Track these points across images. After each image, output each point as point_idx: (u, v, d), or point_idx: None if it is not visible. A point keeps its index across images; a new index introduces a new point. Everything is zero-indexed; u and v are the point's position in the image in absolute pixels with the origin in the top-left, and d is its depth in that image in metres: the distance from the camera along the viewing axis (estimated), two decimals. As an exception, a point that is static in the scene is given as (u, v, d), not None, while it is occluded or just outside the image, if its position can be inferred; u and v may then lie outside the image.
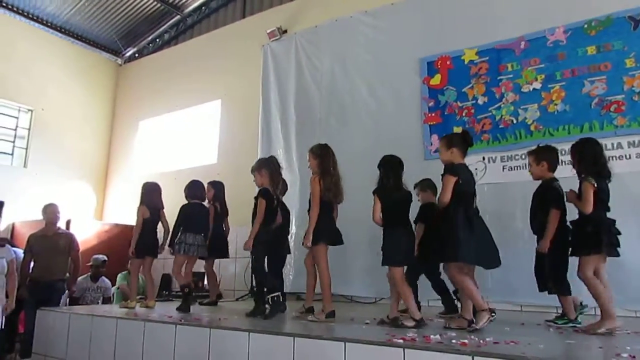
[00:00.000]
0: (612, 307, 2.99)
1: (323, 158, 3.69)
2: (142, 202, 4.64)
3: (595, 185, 3.09)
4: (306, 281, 3.89)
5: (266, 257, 4.03)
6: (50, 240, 5.06)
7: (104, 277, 6.19)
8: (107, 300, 6.10)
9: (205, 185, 4.95)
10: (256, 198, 3.95)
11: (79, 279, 5.98)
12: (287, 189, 4.90)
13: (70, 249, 5.21)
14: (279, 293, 3.78)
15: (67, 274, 5.25)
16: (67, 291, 5.26)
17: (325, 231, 3.59)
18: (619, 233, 3.18)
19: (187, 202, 4.65)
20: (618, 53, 4.50)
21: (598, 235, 3.05)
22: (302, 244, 3.63)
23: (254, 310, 3.81)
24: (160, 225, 4.78)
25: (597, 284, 3.01)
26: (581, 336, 2.94)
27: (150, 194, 4.69)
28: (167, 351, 3.15)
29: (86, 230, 7.31)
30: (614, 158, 4.37)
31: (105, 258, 6.23)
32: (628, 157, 4.36)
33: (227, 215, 5.11)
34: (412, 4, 5.77)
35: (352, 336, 2.62)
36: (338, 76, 6.24)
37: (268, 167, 4.04)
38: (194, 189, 4.64)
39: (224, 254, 4.98)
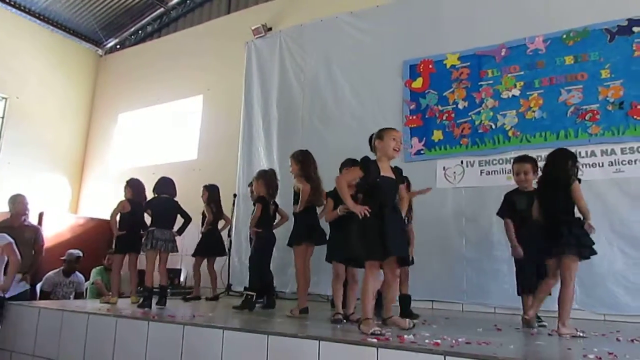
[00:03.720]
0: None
1: (304, 163, 3.92)
2: (126, 197, 4.71)
3: None
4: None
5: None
6: (15, 232, 4.84)
7: (77, 272, 6.07)
8: (79, 296, 5.98)
9: (201, 189, 5.32)
10: (254, 204, 4.43)
11: (50, 273, 5.87)
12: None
13: (35, 242, 5.06)
14: (255, 294, 4.14)
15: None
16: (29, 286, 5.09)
17: (306, 233, 3.83)
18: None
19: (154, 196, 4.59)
20: (594, 64, 4.61)
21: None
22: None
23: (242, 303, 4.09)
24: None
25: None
26: (551, 338, 3.00)
27: (135, 190, 4.75)
28: (138, 348, 3.11)
29: (60, 224, 7.16)
30: (588, 165, 4.48)
31: (80, 254, 6.09)
32: (601, 164, 4.47)
33: (222, 214, 5.42)
34: (397, 7, 5.81)
35: (327, 335, 2.63)
36: (322, 76, 6.24)
37: (265, 179, 4.47)
38: (162, 185, 4.59)
39: (221, 252, 5.34)
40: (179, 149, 7.65)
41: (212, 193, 5.29)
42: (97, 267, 6.24)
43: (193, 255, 5.22)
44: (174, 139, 7.82)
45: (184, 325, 3.00)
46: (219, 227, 5.40)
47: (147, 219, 4.60)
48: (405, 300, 3.90)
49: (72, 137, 8.75)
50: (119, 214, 4.67)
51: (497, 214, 3.81)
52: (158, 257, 4.36)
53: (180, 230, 4.59)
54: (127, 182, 4.83)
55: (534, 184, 3.58)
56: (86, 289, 6.13)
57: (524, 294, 3.60)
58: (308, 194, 3.80)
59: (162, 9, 8.67)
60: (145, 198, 4.78)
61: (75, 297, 5.90)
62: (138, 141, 8.30)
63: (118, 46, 9.34)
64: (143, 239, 4.39)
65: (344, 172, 3.21)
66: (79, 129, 8.89)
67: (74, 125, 8.80)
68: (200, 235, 5.31)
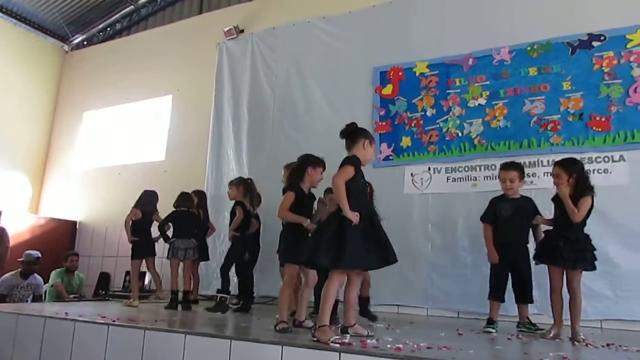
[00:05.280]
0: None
1: None
2: (135, 206, 5.00)
3: None
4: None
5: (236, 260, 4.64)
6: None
7: (35, 274, 5.87)
8: (37, 299, 5.78)
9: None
10: (233, 208, 4.65)
11: (7, 275, 5.66)
12: (260, 202, 5.17)
13: (0, 242, 4.91)
14: (228, 297, 4.37)
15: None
16: None
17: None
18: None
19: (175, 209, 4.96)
20: (556, 75, 4.75)
21: None
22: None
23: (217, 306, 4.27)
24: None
25: None
26: (510, 342, 3.08)
27: (147, 199, 5.07)
28: (97, 353, 3.02)
29: (19, 224, 6.94)
30: (548, 174, 4.61)
31: (39, 255, 5.90)
32: (561, 174, 4.60)
33: (208, 219, 5.48)
34: (369, 14, 5.86)
35: (290, 340, 2.63)
36: (293, 79, 6.24)
37: (246, 186, 4.75)
38: (182, 199, 4.98)
39: (206, 256, 5.36)
40: (146, 150, 7.50)
41: (200, 199, 5.36)
42: (58, 269, 6.06)
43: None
44: (142, 139, 7.66)
45: (144, 330, 2.94)
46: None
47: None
48: (365, 301, 4.02)
49: (35, 135, 8.46)
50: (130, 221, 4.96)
51: (481, 218, 3.85)
52: (181, 264, 4.81)
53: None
54: (144, 193, 5.14)
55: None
56: (45, 292, 5.94)
57: (494, 299, 3.67)
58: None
59: (132, 7, 8.49)
60: (155, 207, 5.12)
61: (33, 300, 5.71)
62: (104, 140, 8.09)
63: (85, 42, 9.09)
64: (169, 249, 4.82)
65: (339, 171, 2.87)
66: (42, 127, 8.59)
67: (36, 122, 8.50)
68: None
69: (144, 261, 4.98)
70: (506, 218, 3.70)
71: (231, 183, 4.92)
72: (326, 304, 2.72)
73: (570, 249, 3.21)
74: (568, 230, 3.27)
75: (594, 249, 3.28)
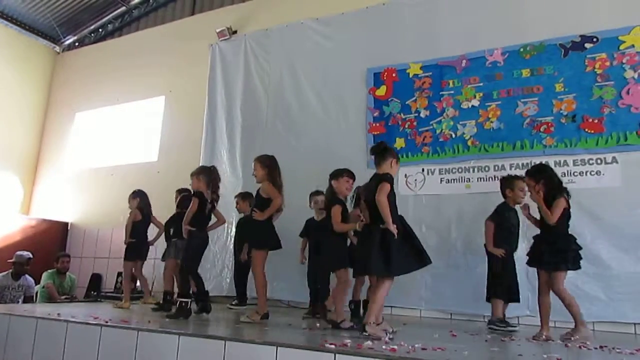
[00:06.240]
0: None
1: (271, 168, 3.88)
2: (137, 207, 4.99)
3: None
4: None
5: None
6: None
7: (26, 275, 5.81)
8: (28, 300, 5.73)
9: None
10: (190, 199, 4.22)
11: (-2, 276, 5.60)
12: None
13: None
14: (189, 300, 4.00)
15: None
16: None
17: (271, 239, 3.86)
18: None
19: (177, 211, 4.90)
20: (549, 77, 4.77)
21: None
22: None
23: (178, 311, 3.94)
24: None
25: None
26: (504, 344, 3.09)
27: (145, 201, 5.06)
28: (90, 355, 3.00)
29: (10, 225, 6.87)
30: (542, 176, 4.64)
31: (31, 255, 5.85)
32: (554, 175, 4.63)
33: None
34: (362, 15, 5.87)
35: (285, 341, 2.61)
36: (286, 80, 6.23)
37: (207, 175, 4.28)
38: (185, 201, 4.75)
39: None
40: (139, 151, 7.45)
41: (184, 197, 5.09)
42: (49, 270, 6.01)
43: (163, 259, 5.10)
44: (134, 140, 7.61)
45: (138, 331, 2.92)
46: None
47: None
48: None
49: (26, 136, 8.38)
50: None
51: (490, 218, 3.97)
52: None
53: None
54: (135, 192, 5.10)
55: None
56: (36, 293, 5.89)
57: (509, 301, 3.86)
58: (279, 205, 3.81)
59: (123, 8, 8.45)
60: (150, 209, 5.10)
61: (25, 301, 5.65)
62: (96, 141, 8.03)
63: (77, 44, 9.02)
64: (168, 248, 4.79)
65: (381, 188, 3.04)
66: (33, 128, 8.51)
67: (27, 123, 8.42)
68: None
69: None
70: (514, 226, 3.90)
71: (192, 175, 4.39)
72: (376, 305, 3.04)
73: (550, 251, 3.30)
74: (548, 234, 3.37)
75: (579, 248, 3.33)
